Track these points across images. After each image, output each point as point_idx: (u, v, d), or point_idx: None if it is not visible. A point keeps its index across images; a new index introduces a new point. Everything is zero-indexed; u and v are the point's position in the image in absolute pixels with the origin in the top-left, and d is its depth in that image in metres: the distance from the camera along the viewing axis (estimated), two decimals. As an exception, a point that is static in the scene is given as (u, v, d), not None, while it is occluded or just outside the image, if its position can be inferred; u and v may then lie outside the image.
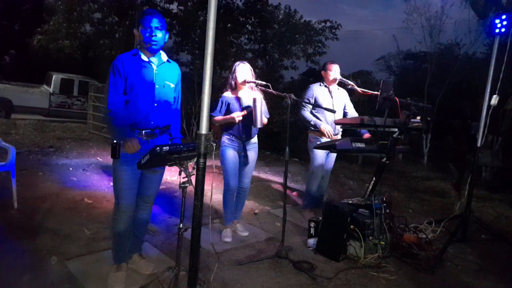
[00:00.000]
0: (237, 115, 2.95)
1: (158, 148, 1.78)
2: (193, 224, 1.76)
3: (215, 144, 1.92)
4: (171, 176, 5.10)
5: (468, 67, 9.55)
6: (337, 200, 3.80)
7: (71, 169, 5.08)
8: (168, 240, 3.01)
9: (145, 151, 2.15)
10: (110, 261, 2.36)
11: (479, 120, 3.65)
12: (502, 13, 3.42)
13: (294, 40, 11.10)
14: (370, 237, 2.95)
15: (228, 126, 3.09)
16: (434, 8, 9.43)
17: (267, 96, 3.22)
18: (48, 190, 4.01)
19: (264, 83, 3.02)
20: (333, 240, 2.96)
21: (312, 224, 3.14)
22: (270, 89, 2.97)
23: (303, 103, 3.71)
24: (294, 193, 5.14)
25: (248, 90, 3.13)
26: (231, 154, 3.09)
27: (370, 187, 3.39)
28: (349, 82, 3.69)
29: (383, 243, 3.00)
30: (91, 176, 4.80)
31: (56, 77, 11.11)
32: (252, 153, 3.20)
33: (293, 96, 2.84)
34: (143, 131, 2.20)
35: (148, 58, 2.21)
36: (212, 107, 3.03)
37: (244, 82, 3.05)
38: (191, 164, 1.96)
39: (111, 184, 2.27)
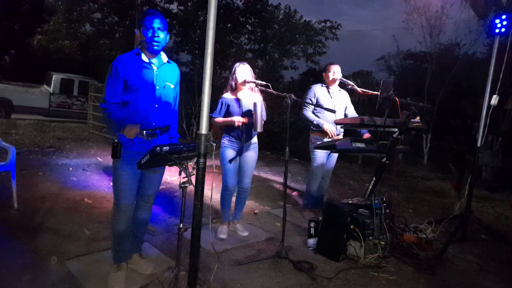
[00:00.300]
0: (238, 120, 2.95)
1: (158, 148, 1.78)
2: (193, 224, 1.76)
3: (215, 144, 1.92)
4: (171, 176, 5.10)
5: (468, 67, 9.55)
6: (337, 200, 3.80)
7: (71, 169, 5.08)
8: (168, 240, 3.02)
9: (146, 151, 2.16)
10: (110, 261, 2.36)
11: (479, 120, 3.66)
12: (502, 13, 3.43)
13: (294, 40, 11.11)
14: (370, 237, 2.96)
15: (228, 127, 3.09)
16: (434, 8, 9.42)
17: (267, 96, 3.22)
18: (48, 190, 4.01)
19: (264, 83, 3.02)
20: (333, 240, 2.96)
21: (312, 224, 3.14)
22: (270, 89, 2.97)
23: (305, 103, 3.72)
24: (295, 193, 5.14)
25: (248, 91, 3.13)
26: (230, 155, 3.09)
27: (370, 187, 3.39)
28: (349, 82, 3.69)
29: (383, 243, 3.00)
30: (91, 176, 4.80)
31: (56, 77, 11.11)
32: (252, 153, 3.20)
33: (293, 96, 2.84)
34: (144, 131, 2.20)
35: (149, 59, 2.21)
36: (212, 108, 3.03)
37: (244, 82, 3.05)
38: (191, 164, 1.96)
39: (111, 184, 2.27)
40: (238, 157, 3.15)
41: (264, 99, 3.14)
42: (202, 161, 1.72)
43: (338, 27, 11.44)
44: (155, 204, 2.58)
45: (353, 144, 3.13)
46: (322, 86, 3.83)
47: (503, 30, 3.44)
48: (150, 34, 2.13)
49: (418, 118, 3.30)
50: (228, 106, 3.07)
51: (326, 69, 3.83)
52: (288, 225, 3.34)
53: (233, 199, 3.30)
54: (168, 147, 1.81)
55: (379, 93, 3.15)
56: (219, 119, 3.08)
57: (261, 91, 3.17)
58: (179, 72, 2.41)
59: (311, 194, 3.93)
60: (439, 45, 10.24)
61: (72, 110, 11.41)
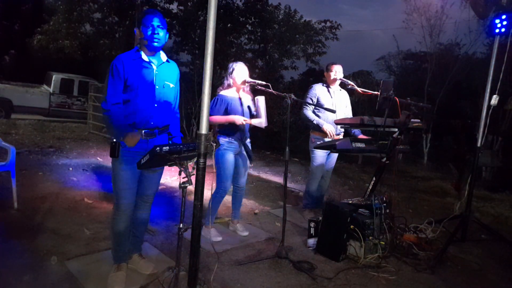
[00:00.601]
0: (242, 120, 2.93)
1: (158, 148, 1.78)
2: (193, 224, 1.76)
3: (215, 144, 1.92)
4: (171, 176, 5.10)
5: (468, 67, 9.55)
6: (337, 200, 3.80)
7: (71, 169, 5.08)
8: (168, 240, 3.01)
9: (144, 150, 2.16)
10: (110, 261, 2.36)
11: (479, 120, 3.65)
12: (502, 13, 3.42)
13: (294, 40, 11.12)
14: (370, 237, 2.95)
15: (227, 127, 3.03)
16: (434, 8, 9.42)
17: (267, 96, 3.22)
18: (48, 190, 4.01)
19: (264, 83, 3.02)
20: (333, 240, 2.96)
21: (312, 224, 3.13)
22: (270, 89, 2.97)
23: (306, 103, 3.72)
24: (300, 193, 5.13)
25: (242, 92, 3.14)
26: (230, 157, 3.04)
27: (370, 187, 3.39)
28: (349, 82, 3.70)
29: (383, 243, 3.00)
30: (91, 176, 4.80)
31: (56, 77, 11.11)
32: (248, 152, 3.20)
33: (293, 96, 2.84)
34: (143, 131, 2.19)
35: (149, 58, 2.21)
36: None
37: (244, 82, 3.05)
38: (191, 164, 1.96)
39: (112, 184, 2.27)
40: (235, 158, 3.11)
41: (264, 99, 3.13)
42: (202, 161, 1.72)
43: (338, 27, 11.45)
44: (154, 204, 2.58)
45: (353, 144, 3.13)
46: (323, 85, 3.84)
47: (503, 30, 3.44)
48: (150, 32, 2.13)
49: (418, 118, 3.30)
50: (228, 104, 3.03)
51: (328, 69, 3.83)
52: (288, 225, 3.33)
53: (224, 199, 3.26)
54: (168, 147, 1.81)
55: (379, 93, 3.15)
56: (217, 117, 2.98)
57: (262, 91, 3.16)
58: (179, 71, 2.41)
59: (311, 194, 3.93)
60: (439, 45, 10.25)
61: (72, 110, 11.41)
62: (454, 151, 9.10)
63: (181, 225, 1.95)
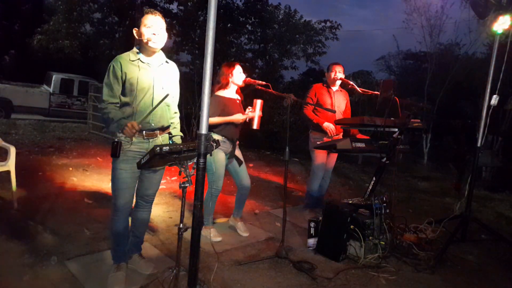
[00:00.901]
0: (243, 118, 2.93)
1: (158, 148, 1.78)
2: (193, 224, 1.76)
3: (215, 144, 1.92)
4: (171, 176, 5.10)
5: (468, 67, 9.55)
6: (337, 200, 3.80)
7: (71, 169, 5.08)
8: (168, 240, 3.01)
9: (145, 150, 2.16)
10: (110, 261, 2.36)
11: (479, 120, 3.66)
12: (502, 13, 3.42)
13: (294, 40, 11.11)
14: (370, 237, 2.95)
15: (221, 127, 2.99)
16: (434, 8, 9.42)
17: (267, 96, 3.22)
18: (48, 190, 4.01)
19: (264, 83, 3.02)
20: (333, 240, 2.96)
21: (312, 224, 3.13)
22: (270, 89, 2.97)
23: (306, 102, 3.72)
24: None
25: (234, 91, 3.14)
26: (221, 157, 3.02)
27: (370, 187, 3.38)
28: (350, 82, 3.70)
29: (383, 243, 3.00)
30: (91, 176, 4.80)
31: (56, 77, 11.12)
32: (239, 151, 3.20)
33: (293, 96, 2.83)
34: (143, 132, 2.19)
35: (148, 59, 2.20)
36: None
37: (244, 82, 3.05)
38: (190, 164, 1.96)
39: (110, 183, 2.27)
40: (227, 158, 3.10)
41: (264, 99, 3.13)
42: (202, 161, 1.72)
43: (338, 27, 11.44)
44: (155, 204, 2.58)
45: (353, 144, 3.12)
46: (323, 85, 3.84)
47: (503, 30, 3.44)
48: (149, 32, 2.13)
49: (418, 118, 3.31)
50: (225, 105, 2.99)
51: (329, 69, 3.85)
52: (288, 225, 3.33)
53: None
54: (168, 147, 1.81)
55: (379, 93, 3.15)
56: (217, 119, 2.92)
57: (261, 91, 3.16)
58: (178, 72, 2.40)
59: (312, 194, 3.94)
60: (439, 45, 10.25)
61: (72, 110, 11.42)
62: (454, 151, 9.11)
63: (181, 225, 1.95)
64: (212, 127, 2.94)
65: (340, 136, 3.82)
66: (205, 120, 1.70)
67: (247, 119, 3.01)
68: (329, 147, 3.34)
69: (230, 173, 3.22)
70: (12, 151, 3.29)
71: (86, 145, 7.23)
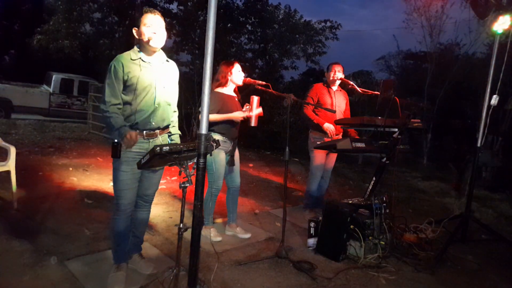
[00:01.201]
0: (242, 115, 2.92)
1: (158, 148, 1.78)
2: (193, 224, 1.76)
3: (215, 144, 1.92)
4: (171, 176, 5.10)
5: (468, 67, 9.54)
6: (337, 200, 3.80)
7: (71, 169, 5.08)
8: (168, 240, 3.01)
9: (145, 151, 2.16)
10: (110, 261, 2.36)
11: (479, 120, 3.66)
12: (502, 13, 3.42)
13: (294, 40, 11.11)
14: (370, 237, 2.95)
15: (222, 126, 2.98)
16: (434, 8, 9.42)
17: (267, 96, 3.23)
18: (48, 190, 4.01)
19: (264, 83, 3.02)
20: (333, 240, 2.96)
21: (312, 224, 3.13)
22: (270, 89, 2.97)
23: (306, 102, 3.72)
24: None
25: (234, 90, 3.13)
26: (222, 156, 3.01)
27: (370, 187, 3.38)
28: (350, 82, 3.70)
29: (383, 243, 3.00)
30: (91, 176, 4.80)
31: (56, 77, 11.12)
32: (237, 151, 3.19)
33: (293, 96, 2.84)
34: (144, 132, 2.19)
35: (148, 58, 2.21)
36: None
37: (244, 82, 3.05)
38: (190, 164, 1.96)
39: (111, 184, 2.27)
40: (226, 158, 3.09)
41: (264, 99, 3.13)
42: (202, 161, 1.72)
43: (338, 27, 11.45)
44: (154, 204, 2.58)
45: (353, 144, 3.12)
46: (323, 85, 3.84)
47: (503, 30, 3.44)
48: (149, 32, 2.13)
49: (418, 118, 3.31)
50: (224, 102, 2.98)
51: (328, 69, 3.85)
52: (288, 225, 3.33)
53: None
54: (168, 147, 1.81)
55: (379, 93, 3.15)
56: (216, 116, 2.90)
57: (261, 91, 3.16)
58: (178, 71, 2.40)
59: (311, 194, 3.94)
60: (439, 45, 10.25)
61: (72, 110, 11.42)
62: (454, 151, 9.11)
63: (181, 225, 1.95)
64: (211, 125, 2.92)
65: (340, 136, 3.82)
66: (205, 120, 1.70)
67: (246, 117, 3.01)
68: (329, 147, 3.34)
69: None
70: (12, 151, 3.29)
71: (86, 145, 7.23)
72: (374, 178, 3.40)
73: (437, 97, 9.35)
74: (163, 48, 2.28)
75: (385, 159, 3.34)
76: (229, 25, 10.58)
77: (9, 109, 10.12)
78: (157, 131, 2.25)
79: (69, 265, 2.42)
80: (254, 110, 2.95)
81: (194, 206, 1.74)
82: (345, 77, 3.82)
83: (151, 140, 2.23)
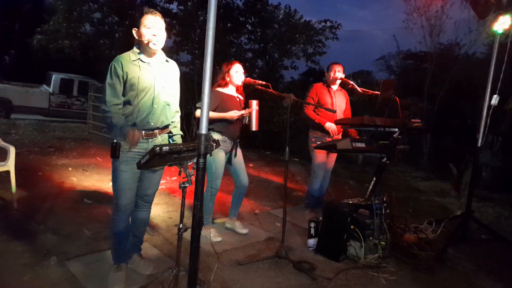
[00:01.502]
0: (237, 114, 2.92)
1: (158, 148, 1.78)
2: (193, 224, 1.76)
3: (215, 144, 1.92)
4: (171, 176, 5.10)
5: (468, 67, 9.54)
6: (337, 200, 3.80)
7: (70, 169, 5.08)
8: (168, 240, 3.01)
9: (145, 150, 2.16)
10: (110, 261, 2.36)
11: (479, 120, 3.66)
12: (502, 13, 3.42)
13: (294, 40, 11.10)
14: (370, 237, 2.95)
15: (220, 125, 3.00)
16: (434, 8, 9.41)
17: (267, 96, 3.23)
18: (48, 190, 4.01)
19: (264, 83, 3.01)
20: (333, 240, 2.96)
21: (312, 224, 3.13)
22: (270, 89, 2.96)
23: (306, 102, 3.72)
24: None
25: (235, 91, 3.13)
26: (221, 156, 3.02)
27: (370, 187, 3.39)
28: (350, 82, 3.70)
29: (383, 243, 3.00)
30: (91, 176, 4.80)
31: (56, 77, 11.11)
32: (239, 150, 3.20)
33: (293, 96, 2.83)
34: (143, 131, 2.19)
35: (148, 58, 2.21)
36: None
37: (243, 82, 3.05)
38: (190, 165, 1.96)
39: (111, 184, 2.27)
40: (227, 157, 3.10)
41: (264, 99, 3.13)
42: (202, 161, 1.71)
43: (338, 27, 11.44)
44: (154, 204, 2.58)
45: (353, 144, 3.12)
46: (323, 85, 3.85)
47: (503, 30, 3.44)
48: (149, 34, 2.12)
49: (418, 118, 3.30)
50: (222, 101, 2.99)
51: (328, 69, 3.85)
52: (288, 225, 3.33)
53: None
54: (168, 147, 1.81)
55: (379, 93, 3.15)
56: (213, 114, 2.90)
57: (261, 91, 3.16)
58: (178, 71, 2.40)
59: (313, 193, 3.93)
60: (439, 45, 10.24)
61: (72, 110, 11.42)
62: (454, 151, 9.10)
63: (181, 225, 1.95)
64: (210, 123, 2.93)
65: (340, 136, 3.82)
66: (205, 120, 1.70)
67: (245, 121, 3.01)
68: (329, 147, 3.34)
69: (230, 172, 3.23)
70: (12, 151, 3.29)
71: (86, 145, 7.23)
72: (374, 178, 3.40)
73: (437, 97, 9.35)
74: (163, 48, 2.27)
75: (385, 159, 3.34)
76: (229, 25, 10.58)
77: (9, 109, 10.12)
78: (156, 131, 2.25)
79: (69, 265, 2.42)
80: (254, 114, 2.95)
81: (194, 206, 1.74)
82: (345, 77, 3.82)
83: (150, 140, 2.23)
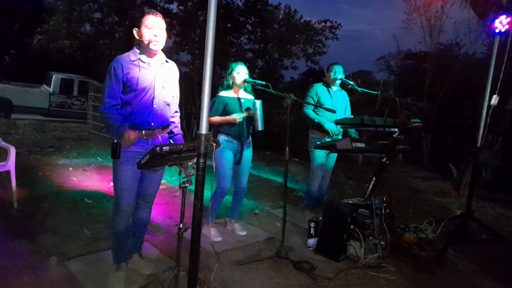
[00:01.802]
0: (239, 117, 2.94)
1: (158, 148, 1.78)
2: (193, 224, 1.76)
3: (215, 144, 1.92)
4: (171, 176, 5.10)
5: (468, 67, 9.54)
6: (337, 200, 3.80)
7: (71, 169, 5.08)
8: (168, 240, 3.01)
9: (145, 151, 2.16)
10: (110, 261, 2.36)
11: (479, 120, 3.66)
12: (502, 13, 3.42)
13: (294, 40, 11.10)
14: (370, 237, 2.95)
15: (226, 126, 3.05)
16: (434, 8, 9.41)
17: (267, 96, 3.23)
18: (48, 190, 4.01)
19: (264, 83, 3.02)
20: (333, 240, 2.96)
21: (312, 224, 3.14)
22: (270, 89, 2.97)
23: (306, 102, 3.72)
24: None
25: (243, 91, 3.14)
26: (228, 156, 3.05)
27: (370, 187, 3.39)
28: (350, 82, 3.70)
29: (383, 243, 3.00)
30: (91, 176, 4.80)
31: (56, 77, 11.11)
32: (248, 152, 3.20)
33: (293, 96, 2.84)
34: (143, 131, 2.19)
35: (148, 59, 2.20)
36: None
37: (244, 82, 3.05)
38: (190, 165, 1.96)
39: (111, 184, 2.27)
40: (235, 157, 3.12)
41: (264, 99, 3.13)
42: (202, 161, 1.72)
43: (338, 27, 11.43)
44: (155, 204, 2.58)
45: (353, 144, 3.13)
46: (323, 85, 3.84)
47: (503, 30, 3.44)
48: (150, 34, 2.13)
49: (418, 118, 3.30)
50: (226, 104, 3.03)
51: (328, 69, 3.85)
52: (288, 225, 3.33)
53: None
54: (168, 147, 1.81)
55: (379, 93, 3.15)
56: (216, 118, 2.99)
57: (261, 91, 3.16)
58: (178, 71, 2.40)
59: (312, 194, 3.94)
60: (439, 45, 10.24)
61: (72, 110, 11.41)
62: (454, 151, 9.11)
63: (181, 225, 1.95)
64: (217, 126, 3.05)
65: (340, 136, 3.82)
66: (205, 120, 1.70)
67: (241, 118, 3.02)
68: (329, 147, 3.34)
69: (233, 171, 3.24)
70: (12, 151, 3.29)
71: (86, 145, 7.23)
72: (374, 178, 3.40)
73: (437, 97, 9.35)
74: (163, 49, 2.28)
75: (385, 159, 3.34)
76: (229, 25, 10.58)
77: (9, 109, 10.12)
78: (156, 130, 2.25)
79: (69, 265, 2.42)
80: (258, 114, 2.95)
81: (194, 206, 1.75)
82: (345, 77, 3.82)
83: (150, 140, 2.23)
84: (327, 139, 3.69)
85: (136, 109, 2.16)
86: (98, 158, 6.07)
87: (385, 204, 3.14)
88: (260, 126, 2.97)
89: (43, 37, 10.30)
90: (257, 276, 2.57)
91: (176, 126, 2.42)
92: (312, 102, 3.72)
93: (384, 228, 3.03)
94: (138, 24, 2.17)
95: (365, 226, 2.93)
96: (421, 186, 6.67)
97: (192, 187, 1.82)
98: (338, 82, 3.80)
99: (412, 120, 3.20)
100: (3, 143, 3.43)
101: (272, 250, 2.98)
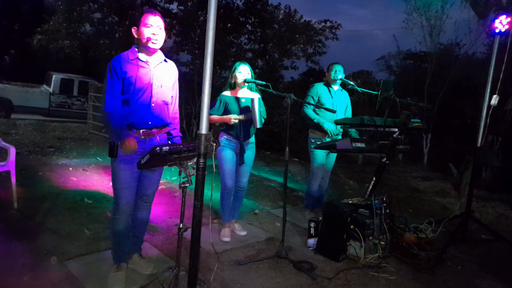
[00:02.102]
0: (234, 118, 2.96)
1: (158, 148, 1.78)
2: (193, 224, 1.76)
3: (215, 144, 1.92)
4: (171, 176, 5.10)
5: (468, 67, 9.54)
6: (337, 200, 3.80)
7: (71, 169, 5.08)
8: (168, 240, 3.01)
9: (143, 150, 2.16)
10: (110, 261, 2.36)
11: (479, 120, 3.66)
12: (502, 13, 3.42)
13: (294, 40, 11.10)
14: (370, 237, 2.95)
15: (226, 126, 3.08)
16: (434, 8, 9.41)
17: (267, 96, 3.22)
18: (48, 190, 4.01)
19: (264, 83, 3.02)
20: (333, 240, 2.96)
21: (312, 224, 3.14)
22: (270, 89, 2.97)
23: (307, 101, 3.72)
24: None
25: (247, 91, 3.14)
26: (228, 154, 3.08)
27: (370, 187, 3.38)
28: (350, 82, 3.70)
29: (383, 243, 3.00)
30: (91, 176, 4.80)
31: (56, 77, 11.11)
32: (250, 153, 3.21)
33: (293, 96, 2.84)
34: (141, 130, 2.19)
35: (146, 57, 2.21)
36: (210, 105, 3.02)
37: (244, 82, 3.05)
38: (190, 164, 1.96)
39: (111, 184, 2.27)
40: (236, 157, 3.14)
41: (264, 99, 3.13)
42: (202, 161, 1.72)
43: (338, 27, 11.43)
44: (155, 204, 2.58)
45: (353, 144, 3.12)
46: (324, 85, 3.84)
47: (503, 30, 3.44)
48: (148, 32, 2.13)
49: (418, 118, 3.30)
50: (227, 104, 3.06)
51: (328, 69, 3.85)
52: (288, 225, 3.33)
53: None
54: (168, 147, 1.81)
55: (379, 93, 3.15)
56: (215, 116, 3.03)
57: (261, 91, 3.17)
58: (177, 71, 2.40)
59: (311, 194, 3.93)
60: (439, 45, 10.23)
61: (72, 110, 11.41)
62: (454, 151, 9.10)
63: (181, 225, 1.95)
64: (218, 126, 3.10)
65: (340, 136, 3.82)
66: (205, 120, 1.70)
67: (242, 118, 3.02)
68: (329, 147, 3.34)
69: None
70: (12, 151, 3.29)
71: (86, 145, 7.23)
72: (374, 178, 3.40)
73: (437, 97, 9.35)
74: (163, 48, 2.28)
75: (385, 159, 3.34)
76: (229, 25, 10.58)
77: (9, 109, 10.11)
78: (154, 130, 2.25)
79: (69, 265, 2.42)
80: (256, 111, 2.95)
81: (194, 206, 1.75)
82: (345, 77, 3.82)
83: (147, 140, 2.23)
84: (327, 139, 3.69)
85: (134, 108, 2.16)
86: (98, 158, 6.07)
87: (385, 204, 3.14)
88: (258, 124, 2.96)
89: (43, 37, 10.30)
90: (257, 276, 2.57)
91: (175, 128, 2.42)
92: (313, 102, 3.72)
93: (384, 228, 3.03)
94: (137, 23, 2.17)
95: (365, 226, 2.93)
96: (421, 186, 6.67)
97: (192, 187, 1.82)
98: (339, 82, 3.80)
99: (412, 120, 3.20)
100: (3, 143, 3.43)
101: (272, 250, 2.98)
